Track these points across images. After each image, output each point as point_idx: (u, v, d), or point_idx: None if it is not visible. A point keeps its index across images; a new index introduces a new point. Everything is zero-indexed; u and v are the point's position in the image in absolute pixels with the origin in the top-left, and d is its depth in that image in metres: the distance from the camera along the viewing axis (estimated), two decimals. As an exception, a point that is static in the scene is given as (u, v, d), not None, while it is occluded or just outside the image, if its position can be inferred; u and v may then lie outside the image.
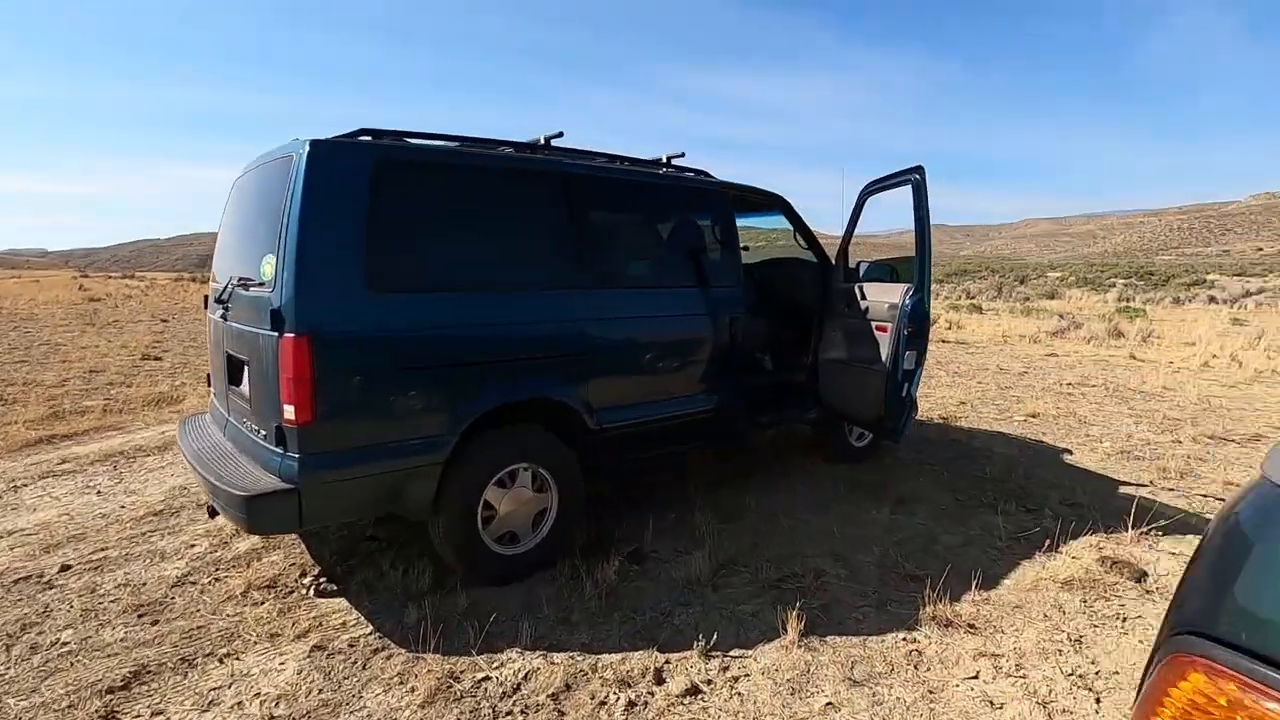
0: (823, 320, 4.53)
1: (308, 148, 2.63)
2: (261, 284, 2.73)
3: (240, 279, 2.98)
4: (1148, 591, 3.08)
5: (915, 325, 3.75)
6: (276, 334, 2.56)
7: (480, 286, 2.96)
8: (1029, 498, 4.22)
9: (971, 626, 2.76)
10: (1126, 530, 3.62)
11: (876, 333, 3.95)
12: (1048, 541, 3.49)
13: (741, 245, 4.18)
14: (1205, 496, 4.32)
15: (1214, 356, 10.47)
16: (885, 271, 4.37)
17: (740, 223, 4.23)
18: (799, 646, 2.59)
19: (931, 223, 3.83)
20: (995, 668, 2.50)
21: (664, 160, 4.17)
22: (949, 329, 14.44)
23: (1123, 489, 4.46)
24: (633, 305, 3.53)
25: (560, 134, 3.55)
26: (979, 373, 9.16)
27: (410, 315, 2.75)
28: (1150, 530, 3.62)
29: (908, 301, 3.75)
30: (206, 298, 3.60)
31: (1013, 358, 10.65)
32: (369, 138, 2.93)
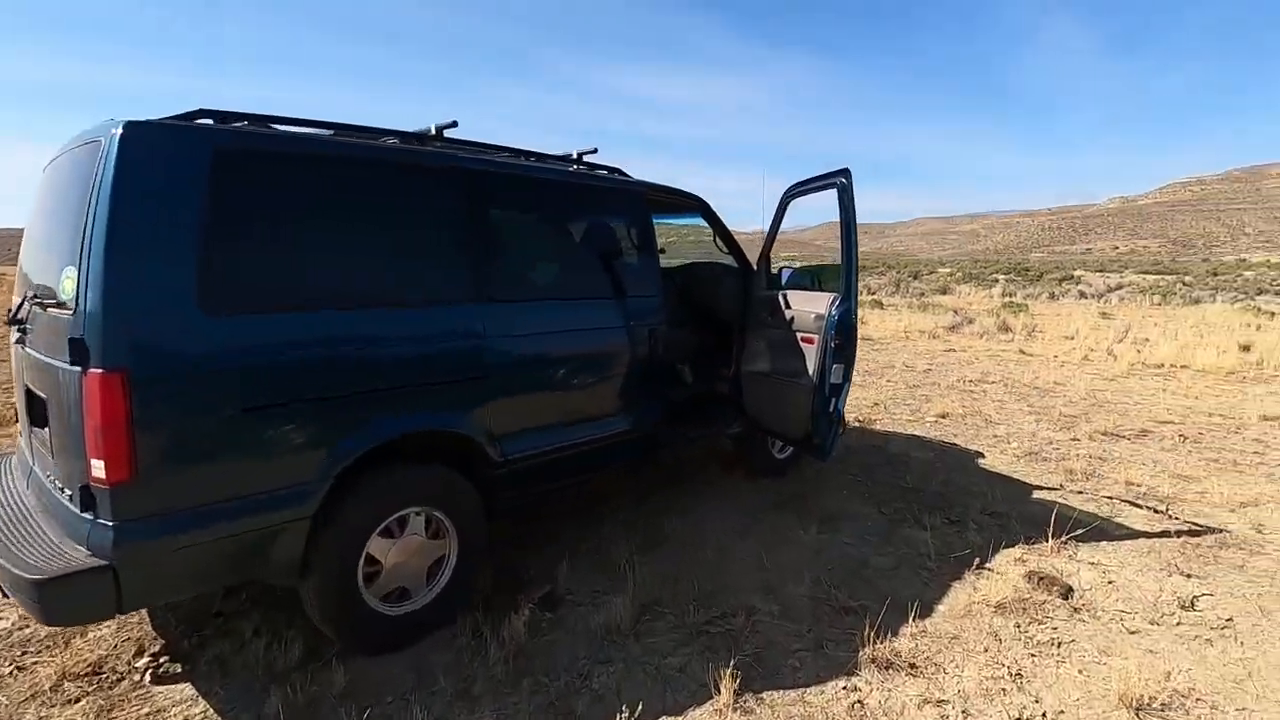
0: (745, 330, 4.29)
1: (120, 130, 2.06)
2: (61, 304, 2.14)
3: (36, 294, 2.36)
4: (1076, 610, 3.02)
5: (842, 337, 3.55)
6: (79, 369, 2.00)
7: (353, 303, 2.47)
8: (951, 508, 4.16)
9: (912, 666, 2.57)
10: (1047, 540, 3.60)
11: (802, 344, 3.74)
12: (977, 560, 3.40)
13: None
14: (1111, 499, 4.41)
15: (1091, 350, 11.20)
16: (808, 278, 4.18)
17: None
18: (733, 709, 2.31)
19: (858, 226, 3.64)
20: (942, 717, 2.31)
21: (575, 157, 3.79)
22: (856, 326, 14.82)
23: (1036, 493, 4.50)
24: (540, 319, 3.13)
25: (454, 123, 3.08)
26: (887, 370, 9.34)
27: (261, 340, 2.23)
28: (1069, 539, 3.62)
29: (834, 312, 3.55)
30: (9, 310, 2.90)
31: (916, 354, 10.98)
32: (210, 120, 2.38)
